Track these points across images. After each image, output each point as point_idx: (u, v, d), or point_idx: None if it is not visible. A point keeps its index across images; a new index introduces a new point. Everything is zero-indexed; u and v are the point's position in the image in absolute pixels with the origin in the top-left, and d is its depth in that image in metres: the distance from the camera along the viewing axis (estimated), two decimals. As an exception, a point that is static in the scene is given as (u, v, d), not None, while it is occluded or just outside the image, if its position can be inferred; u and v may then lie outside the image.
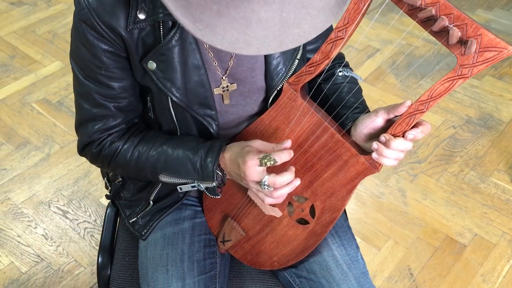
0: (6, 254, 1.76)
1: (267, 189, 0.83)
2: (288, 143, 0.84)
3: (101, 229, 1.19)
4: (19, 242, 1.80)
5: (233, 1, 0.60)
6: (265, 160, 0.81)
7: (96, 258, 1.75)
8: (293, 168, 0.85)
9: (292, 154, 0.83)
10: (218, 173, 0.89)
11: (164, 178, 0.93)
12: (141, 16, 0.80)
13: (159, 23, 0.82)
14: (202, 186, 0.93)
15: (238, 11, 0.60)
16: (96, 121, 0.91)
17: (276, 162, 0.81)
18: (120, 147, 0.93)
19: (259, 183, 0.83)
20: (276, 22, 0.62)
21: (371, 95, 2.39)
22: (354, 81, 1.02)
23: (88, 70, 0.86)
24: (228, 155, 0.88)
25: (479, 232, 1.83)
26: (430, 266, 1.74)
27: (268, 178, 0.82)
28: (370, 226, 1.86)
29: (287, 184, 0.83)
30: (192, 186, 0.94)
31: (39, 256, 1.76)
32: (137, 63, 0.85)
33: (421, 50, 2.66)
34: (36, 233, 1.83)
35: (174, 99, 0.87)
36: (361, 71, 2.53)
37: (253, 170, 0.82)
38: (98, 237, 1.82)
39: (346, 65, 1.05)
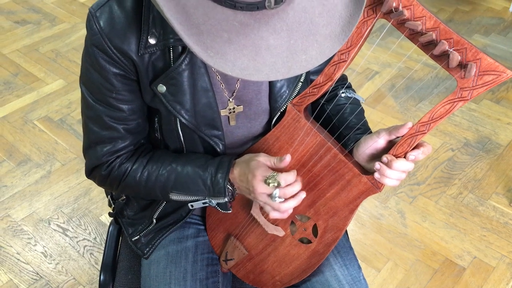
0: (5, 271, 1.76)
1: (278, 200, 0.85)
2: (287, 157, 0.86)
3: (103, 248, 1.19)
4: (18, 259, 1.79)
5: (243, 29, 0.62)
6: (270, 181, 0.85)
7: (95, 276, 1.76)
8: (300, 178, 0.88)
9: (296, 175, 0.85)
10: (229, 188, 0.91)
11: (174, 196, 0.94)
12: (152, 41, 0.82)
13: (169, 48, 0.83)
14: (214, 202, 0.94)
15: (247, 39, 0.63)
16: (105, 143, 0.92)
17: (280, 184, 0.84)
18: (129, 168, 0.94)
19: (270, 196, 0.85)
20: (284, 49, 0.64)
21: (371, 117, 2.41)
22: (356, 102, 1.04)
23: (98, 93, 0.87)
24: (237, 170, 0.90)
25: (478, 255, 1.83)
26: (429, 288, 1.74)
27: (279, 190, 0.84)
28: (369, 247, 1.86)
29: (295, 195, 0.86)
30: (204, 203, 0.95)
31: (38, 273, 1.75)
32: (146, 86, 0.87)
33: (420, 74, 2.69)
34: (35, 250, 1.82)
35: (183, 120, 0.89)
36: (361, 94, 2.56)
37: (262, 184, 0.85)
38: (98, 255, 1.81)
39: (349, 87, 1.07)
